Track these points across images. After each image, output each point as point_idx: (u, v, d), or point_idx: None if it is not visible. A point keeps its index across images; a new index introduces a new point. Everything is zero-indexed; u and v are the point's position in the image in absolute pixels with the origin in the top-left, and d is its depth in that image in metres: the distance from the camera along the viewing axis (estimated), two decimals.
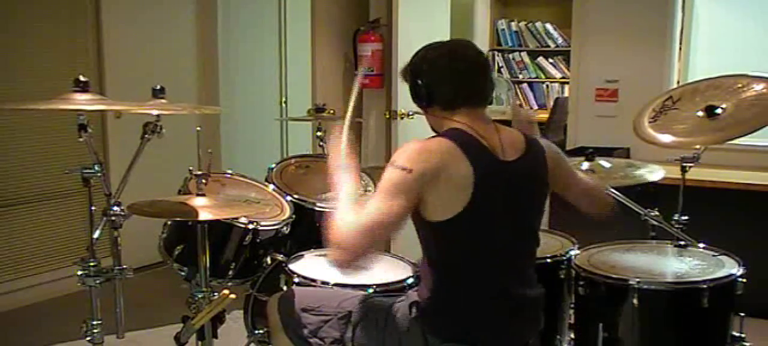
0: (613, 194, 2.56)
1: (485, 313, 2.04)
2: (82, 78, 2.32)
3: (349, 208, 1.96)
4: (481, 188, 1.94)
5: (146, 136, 2.53)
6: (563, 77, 7.03)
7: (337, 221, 1.92)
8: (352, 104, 2.30)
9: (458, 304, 2.02)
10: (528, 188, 2.10)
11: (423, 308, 2.05)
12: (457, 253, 2.01)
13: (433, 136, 2.05)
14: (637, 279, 2.36)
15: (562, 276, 2.60)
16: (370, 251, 1.91)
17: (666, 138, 2.72)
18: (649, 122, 2.80)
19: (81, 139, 2.33)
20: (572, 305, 2.62)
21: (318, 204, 2.96)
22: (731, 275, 2.38)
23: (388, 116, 4.78)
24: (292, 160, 3.30)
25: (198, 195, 2.36)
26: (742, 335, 2.45)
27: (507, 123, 2.18)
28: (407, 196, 1.91)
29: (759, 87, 2.67)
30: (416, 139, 2.00)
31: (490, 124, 2.08)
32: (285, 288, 2.46)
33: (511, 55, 7.26)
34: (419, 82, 2.08)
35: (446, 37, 4.62)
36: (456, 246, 2.00)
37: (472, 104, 2.08)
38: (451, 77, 2.06)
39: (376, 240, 1.91)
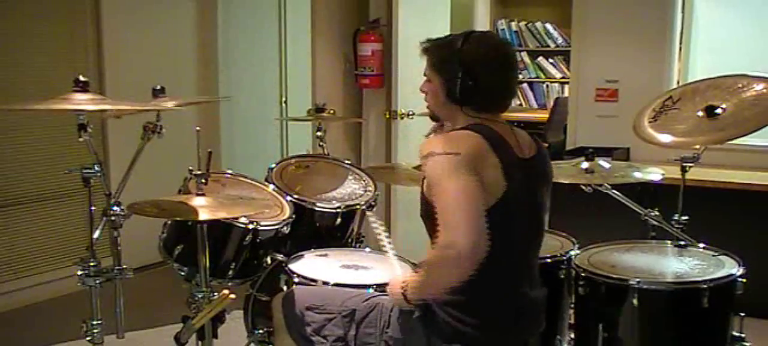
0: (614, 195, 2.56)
1: (494, 314, 2.03)
2: (82, 78, 2.33)
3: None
4: (509, 183, 1.94)
5: (146, 136, 2.53)
6: (563, 77, 7.03)
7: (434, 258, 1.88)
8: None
9: (469, 304, 2.00)
10: (543, 186, 2.12)
11: (431, 308, 2.04)
12: None
13: (457, 129, 2.00)
14: (637, 279, 2.36)
15: (562, 276, 2.59)
16: (482, 238, 1.79)
17: (666, 138, 2.72)
18: (649, 122, 2.80)
19: (81, 140, 2.33)
20: (572, 305, 2.62)
21: (318, 204, 2.96)
22: (731, 275, 2.38)
23: (388, 116, 4.78)
24: (292, 160, 3.29)
25: (198, 195, 2.36)
26: (742, 335, 2.45)
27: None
28: (470, 173, 1.84)
29: (759, 87, 2.67)
30: (442, 133, 1.98)
31: (505, 124, 2.09)
32: (286, 288, 2.46)
33: None
34: (471, 86, 1.99)
35: None
36: None
37: (504, 108, 2.09)
38: (505, 85, 2.05)
39: (476, 222, 1.79)
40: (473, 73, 1.99)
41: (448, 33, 2.24)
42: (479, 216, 1.81)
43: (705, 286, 2.32)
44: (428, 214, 1.98)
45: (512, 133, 2.08)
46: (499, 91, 2.06)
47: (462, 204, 1.81)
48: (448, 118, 2.11)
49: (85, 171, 2.37)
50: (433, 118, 2.17)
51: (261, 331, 2.77)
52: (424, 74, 2.14)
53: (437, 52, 2.08)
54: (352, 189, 3.17)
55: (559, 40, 7.04)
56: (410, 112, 4.63)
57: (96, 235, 2.42)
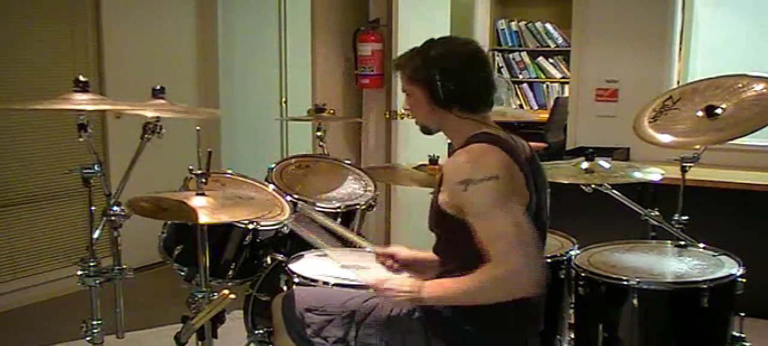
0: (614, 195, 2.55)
1: (500, 318, 2.02)
2: (82, 78, 2.33)
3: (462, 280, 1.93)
4: (529, 188, 1.96)
5: (146, 136, 2.53)
6: (563, 77, 7.03)
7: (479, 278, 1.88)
8: None
9: (477, 308, 1.98)
10: (544, 187, 2.12)
11: (433, 309, 2.03)
12: None
13: (474, 144, 1.98)
14: (637, 279, 2.36)
15: (562, 276, 2.60)
16: (542, 271, 1.88)
17: (666, 138, 2.72)
18: (649, 122, 2.80)
19: (81, 139, 2.34)
20: (572, 305, 2.62)
21: (318, 204, 2.96)
22: (731, 275, 2.38)
23: (388, 116, 4.78)
24: (292, 160, 3.30)
25: (198, 195, 2.36)
26: (742, 335, 2.46)
27: (505, 124, 2.18)
28: (514, 196, 1.90)
29: (759, 87, 2.67)
30: (460, 151, 1.97)
31: (498, 127, 2.09)
32: (286, 288, 2.46)
33: (511, 55, 7.26)
34: (451, 85, 2.00)
35: None
36: None
37: (490, 105, 2.08)
38: (482, 79, 2.06)
39: (535, 257, 1.88)
40: (450, 73, 2.01)
41: (448, 33, 2.23)
42: (536, 247, 1.89)
43: (705, 286, 2.32)
44: (439, 223, 2.01)
45: (510, 136, 2.08)
46: (480, 87, 2.06)
47: (521, 238, 1.86)
48: (441, 125, 2.11)
49: (85, 171, 2.37)
50: (426, 131, 2.17)
51: (261, 331, 2.77)
52: (403, 91, 2.14)
53: (409, 63, 2.09)
54: (352, 189, 3.18)
55: (559, 40, 7.04)
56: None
57: (96, 235, 2.42)
